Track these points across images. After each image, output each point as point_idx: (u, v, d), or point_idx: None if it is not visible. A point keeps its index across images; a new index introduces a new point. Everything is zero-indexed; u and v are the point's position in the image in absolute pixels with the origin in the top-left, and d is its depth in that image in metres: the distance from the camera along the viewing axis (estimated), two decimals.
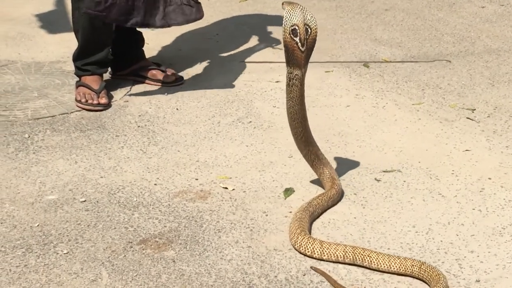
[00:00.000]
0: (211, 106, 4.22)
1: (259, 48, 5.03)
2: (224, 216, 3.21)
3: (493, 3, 5.75)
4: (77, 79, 4.32)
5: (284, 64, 4.68)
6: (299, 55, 3.12)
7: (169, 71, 4.50)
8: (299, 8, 3.12)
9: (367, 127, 3.96)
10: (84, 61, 4.25)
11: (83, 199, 3.34)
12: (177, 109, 4.19)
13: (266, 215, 3.22)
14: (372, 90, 4.38)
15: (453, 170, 3.53)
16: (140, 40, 4.52)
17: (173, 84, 4.46)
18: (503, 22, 5.37)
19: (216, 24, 5.49)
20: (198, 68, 4.70)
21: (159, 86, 4.44)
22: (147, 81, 4.48)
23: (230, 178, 3.51)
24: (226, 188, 3.42)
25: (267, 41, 5.11)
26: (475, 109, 4.11)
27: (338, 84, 4.44)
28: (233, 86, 4.45)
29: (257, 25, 5.43)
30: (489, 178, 3.44)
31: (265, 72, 4.64)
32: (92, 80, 4.25)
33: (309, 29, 3.13)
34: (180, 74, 4.55)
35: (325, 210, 3.22)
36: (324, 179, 3.34)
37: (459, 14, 5.58)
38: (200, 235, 3.08)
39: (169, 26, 4.23)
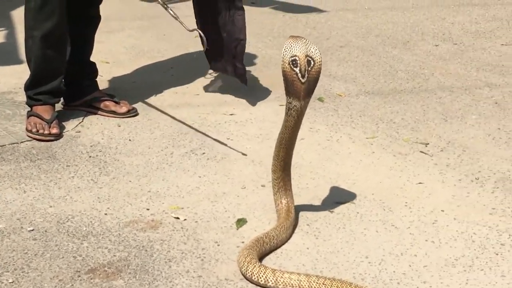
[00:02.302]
0: (164, 137, 4.18)
1: (214, 82, 5.01)
2: (175, 246, 3.16)
3: (446, 42, 5.81)
4: (29, 109, 4.26)
5: (238, 99, 4.70)
6: (298, 86, 3.09)
7: (123, 103, 4.45)
8: (302, 41, 3.11)
9: (321, 159, 3.95)
10: (36, 91, 4.19)
11: (31, 228, 3.27)
12: (129, 140, 4.14)
13: (218, 245, 3.17)
14: (326, 124, 4.38)
15: (406, 202, 3.52)
16: (94, 71, 4.48)
17: (126, 115, 4.41)
18: (456, 60, 5.42)
19: (172, 57, 5.47)
20: (152, 100, 4.66)
21: (112, 118, 4.39)
22: (100, 112, 4.43)
23: (182, 208, 3.46)
24: (178, 218, 3.37)
25: (222, 75, 5.09)
26: (428, 143, 4.12)
27: None
28: (187, 119, 4.41)
29: None
30: (442, 210, 3.44)
31: (219, 105, 4.61)
32: (43, 110, 4.19)
33: (312, 61, 3.11)
34: (134, 106, 4.51)
35: (283, 242, 3.17)
36: (280, 209, 3.31)
37: (413, 52, 5.63)
38: (150, 265, 3.02)
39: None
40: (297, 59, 3.08)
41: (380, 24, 6.25)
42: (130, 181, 3.71)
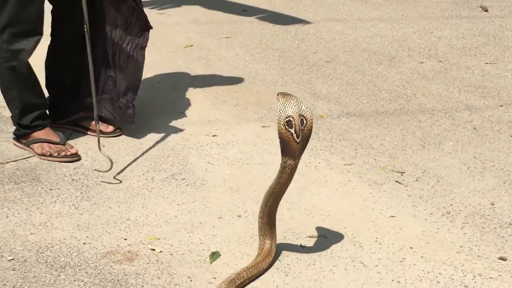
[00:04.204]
0: (147, 160, 4.28)
1: (199, 98, 5.10)
2: (149, 281, 3.27)
3: (431, 59, 5.89)
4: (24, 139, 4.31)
5: (221, 118, 4.80)
6: (294, 146, 3.16)
7: (108, 122, 4.54)
8: (294, 99, 3.17)
9: (298, 188, 4.04)
10: (30, 117, 4.24)
11: (11, 257, 3.37)
12: (112, 162, 4.24)
13: (191, 281, 3.28)
14: (307, 148, 4.44)
15: (376, 238, 3.62)
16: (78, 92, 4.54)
17: (111, 135, 4.51)
18: (439, 80, 5.51)
19: (160, 70, 5.55)
20: (137, 119, 4.72)
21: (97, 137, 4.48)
22: (85, 131, 4.52)
23: (159, 239, 3.57)
24: (154, 249, 3.48)
25: (208, 91, 5.19)
26: (404, 172, 4.22)
27: (273, 141, 4.52)
28: (170, 140, 4.51)
29: (200, 73, 5.50)
30: (411, 248, 3.54)
31: (202, 125, 4.71)
32: (48, 134, 4.26)
33: (304, 120, 3.17)
34: (119, 124, 4.60)
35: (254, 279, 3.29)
36: (262, 249, 3.39)
37: (398, 69, 5.71)
38: None
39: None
40: (292, 119, 3.13)
41: (368, 38, 6.33)
42: (110, 208, 3.81)
